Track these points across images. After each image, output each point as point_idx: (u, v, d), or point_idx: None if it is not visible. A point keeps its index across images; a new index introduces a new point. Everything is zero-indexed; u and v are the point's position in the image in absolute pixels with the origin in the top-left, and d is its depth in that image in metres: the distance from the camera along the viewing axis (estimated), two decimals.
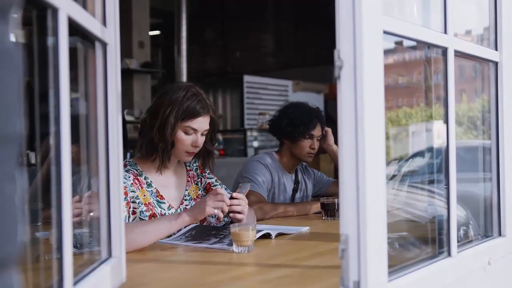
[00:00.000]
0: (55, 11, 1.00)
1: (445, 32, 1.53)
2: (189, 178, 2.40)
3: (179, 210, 2.28)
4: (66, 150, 1.02)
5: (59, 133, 1.01)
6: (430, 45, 1.57)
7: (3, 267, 0.56)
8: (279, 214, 2.80)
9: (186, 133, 2.21)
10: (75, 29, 1.13)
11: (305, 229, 2.35)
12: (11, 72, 0.57)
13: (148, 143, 2.22)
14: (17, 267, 0.59)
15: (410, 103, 2.09)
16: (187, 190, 2.36)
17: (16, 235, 0.58)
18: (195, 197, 2.38)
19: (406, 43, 1.57)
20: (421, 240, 1.73)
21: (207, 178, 2.47)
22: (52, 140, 1.02)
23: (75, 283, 1.10)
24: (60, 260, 1.02)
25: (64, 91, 1.03)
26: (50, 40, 1.03)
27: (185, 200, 2.34)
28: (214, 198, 2.04)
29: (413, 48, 1.76)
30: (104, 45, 1.36)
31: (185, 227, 2.16)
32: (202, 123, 2.23)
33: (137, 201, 2.16)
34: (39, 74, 1.05)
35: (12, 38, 0.59)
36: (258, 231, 2.04)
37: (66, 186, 1.02)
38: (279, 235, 2.18)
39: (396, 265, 1.34)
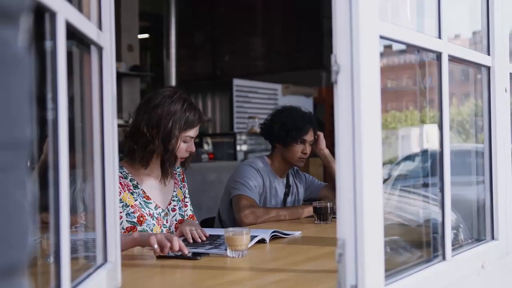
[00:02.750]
0: (53, 14, 1.00)
1: (439, 37, 1.54)
2: (176, 181, 2.47)
3: (166, 210, 2.36)
4: (63, 153, 1.02)
5: (57, 137, 1.01)
6: (425, 50, 1.58)
7: (14, 274, 0.55)
8: (271, 218, 2.79)
9: (185, 141, 2.31)
10: (71, 33, 1.12)
11: (297, 233, 2.35)
12: (21, 78, 0.57)
13: (149, 154, 2.27)
14: (26, 274, 0.59)
15: (399, 107, 2.10)
16: (175, 191, 2.44)
17: (27, 241, 0.58)
18: (181, 199, 2.47)
19: (395, 47, 1.58)
20: (413, 244, 1.74)
21: (186, 188, 2.55)
22: (49, 144, 1.01)
23: None
24: (58, 265, 1.01)
25: (62, 95, 1.02)
26: (47, 44, 1.02)
27: (173, 200, 2.42)
28: (167, 237, 1.85)
29: (402, 52, 1.77)
30: (99, 49, 1.35)
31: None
32: (197, 130, 2.35)
33: (121, 204, 2.19)
34: (36, 78, 1.04)
35: (22, 44, 0.58)
36: (252, 236, 2.04)
37: (63, 191, 1.01)
38: (274, 238, 2.18)
39: (392, 269, 1.34)
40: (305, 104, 7.59)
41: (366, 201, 1.16)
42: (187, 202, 2.53)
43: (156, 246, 1.81)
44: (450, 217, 1.55)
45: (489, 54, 1.85)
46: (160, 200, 2.35)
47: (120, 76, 7.44)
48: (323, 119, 7.40)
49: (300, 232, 2.37)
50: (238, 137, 7.50)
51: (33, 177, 1.34)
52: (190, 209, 2.52)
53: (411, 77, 1.97)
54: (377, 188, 1.22)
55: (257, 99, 8.38)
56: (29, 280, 0.60)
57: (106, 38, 1.37)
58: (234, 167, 3.17)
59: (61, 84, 1.02)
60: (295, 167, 3.20)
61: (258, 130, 3.25)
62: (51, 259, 1.27)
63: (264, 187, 3.01)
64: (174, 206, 2.41)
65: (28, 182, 0.59)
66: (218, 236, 2.19)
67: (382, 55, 1.54)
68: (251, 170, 2.98)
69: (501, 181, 1.85)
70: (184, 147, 2.31)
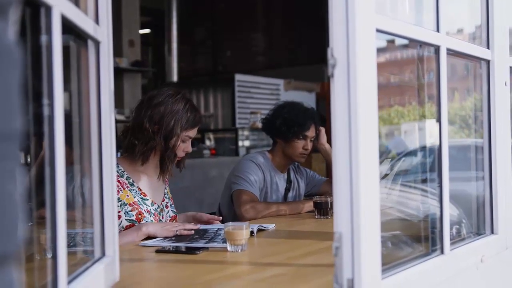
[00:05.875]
0: (48, 9, 1.00)
1: (438, 30, 1.54)
2: (166, 180, 2.52)
3: (161, 206, 2.41)
4: (60, 149, 1.02)
5: (53, 133, 1.01)
6: (422, 43, 1.58)
7: (3, 264, 0.56)
8: (272, 213, 2.80)
9: (183, 141, 2.34)
10: (67, 27, 1.12)
11: (272, 226, 2.39)
12: (11, 70, 0.57)
13: (149, 150, 2.30)
14: (17, 265, 0.59)
15: (402, 102, 2.10)
16: (166, 189, 2.50)
17: (17, 232, 0.58)
18: (170, 197, 2.53)
19: (398, 41, 1.57)
20: (414, 238, 1.74)
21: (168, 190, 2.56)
22: (45, 140, 1.01)
23: (69, 282, 1.10)
24: (54, 259, 1.01)
25: (58, 90, 1.02)
26: (43, 38, 1.02)
27: (166, 197, 2.47)
28: (172, 228, 2.16)
29: (405, 46, 1.77)
30: (97, 43, 1.35)
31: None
32: (196, 131, 2.40)
33: (119, 203, 2.22)
34: (32, 73, 1.04)
35: (12, 35, 0.59)
36: None
37: (60, 186, 1.02)
38: (259, 231, 2.23)
39: (389, 263, 1.34)
40: (308, 99, 7.60)
41: (363, 194, 1.17)
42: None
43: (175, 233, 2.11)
44: (448, 211, 1.55)
45: (488, 48, 1.84)
46: (154, 196, 2.40)
47: (121, 72, 7.44)
48: (325, 114, 7.40)
49: (274, 224, 2.40)
50: (240, 132, 7.50)
51: (32, 173, 1.34)
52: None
53: (414, 72, 1.97)
54: (374, 182, 1.22)
55: (259, 94, 8.37)
56: (20, 270, 0.60)
57: (103, 32, 1.37)
58: (235, 163, 3.17)
59: (57, 79, 1.02)
60: (296, 162, 3.21)
61: (260, 125, 3.24)
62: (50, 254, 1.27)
63: (265, 182, 3.02)
64: (167, 203, 2.47)
65: (19, 173, 0.59)
66: (206, 230, 2.21)
67: (385, 49, 1.54)
68: (252, 165, 2.98)
69: (501, 175, 1.85)
70: (182, 146, 2.34)
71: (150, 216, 2.30)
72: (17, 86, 0.58)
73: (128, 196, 2.27)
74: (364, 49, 1.19)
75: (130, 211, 2.25)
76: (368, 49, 1.21)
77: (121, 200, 2.24)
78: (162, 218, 2.39)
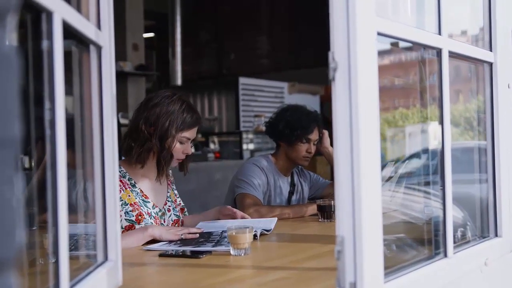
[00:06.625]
0: (49, 14, 1.00)
1: (439, 33, 1.54)
2: (169, 182, 2.52)
3: (163, 209, 2.41)
4: (61, 153, 1.02)
5: (54, 137, 1.01)
6: (424, 46, 1.58)
7: (2, 270, 0.56)
8: (275, 216, 2.79)
9: (181, 142, 2.34)
10: (69, 32, 1.12)
11: (274, 220, 2.43)
12: (9, 76, 0.57)
13: (146, 152, 2.29)
14: (15, 270, 0.59)
15: (407, 104, 2.09)
16: (168, 192, 2.49)
17: (15, 238, 0.58)
18: (174, 200, 2.51)
19: (402, 44, 1.57)
20: (417, 241, 1.74)
21: (175, 190, 2.56)
22: (47, 144, 1.01)
23: (71, 286, 1.10)
24: (56, 264, 1.01)
25: (59, 95, 1.02)
26: (44, 44, 1.03)
27: (168, 201, 2.47)
28: (176, 232, 2.16)
29: (409, 49, 1.77)
30: (98, 48, 1.36)
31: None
32: (195, 133, 2.38)
33: (120, 202, 2.23)
34: (33, 78, 1.04)
35: (10, 41, 0.59)
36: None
37: (61, 190, 1.02)
38: (262, 234, 2.22)
39: (392, 266, 1.34)
40: (312, 102, 7.59)
41: (364, 198, 1.16)
42: (180, 201, 2.57)
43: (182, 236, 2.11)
44: (451, 214, 1.54)
45: (491, 50, 1.84)
46: (156, 200, 2.39)
47: (125, 76, 7.43)
48: (329, 117, 7.39)
49: (276, 218, 2.43)
50: (244, 135, 7.50)
51: (35, 178, 1.34)
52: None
53: (418, 74, 1.97)
54: (376, 185, 1.21)
55: (263, 97, 8.38)
56: (19, 276, 0.60)
57: (105, 37, 1.38)
58: (240, 166, 3.17)
59: (58, 84, 1.02)
60: (300, 166, 3.20)
61: (264, 128, 3.24)
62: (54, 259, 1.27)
63: (268, 185, 3.01)
64: (169, 206, 2.46)
65: (18, 179, 0.60)
66: (211, 233, 2.21)
67: (389, 52, 1.54)
68: (256, 169, 2.98)
69: (504, 177, 1.85)
70: (180, 148, 2.33)
71: (150, 218, 2.30)
72: (15, 92, 0.58)
73: (129, 196, 2.28)
74: (365, 52, 1.19)
75: (130, 211, 2.25)
76: (369, 52, 1.21)
77: (122, 200, 2.24)
78: (164, 221, 2.39)
